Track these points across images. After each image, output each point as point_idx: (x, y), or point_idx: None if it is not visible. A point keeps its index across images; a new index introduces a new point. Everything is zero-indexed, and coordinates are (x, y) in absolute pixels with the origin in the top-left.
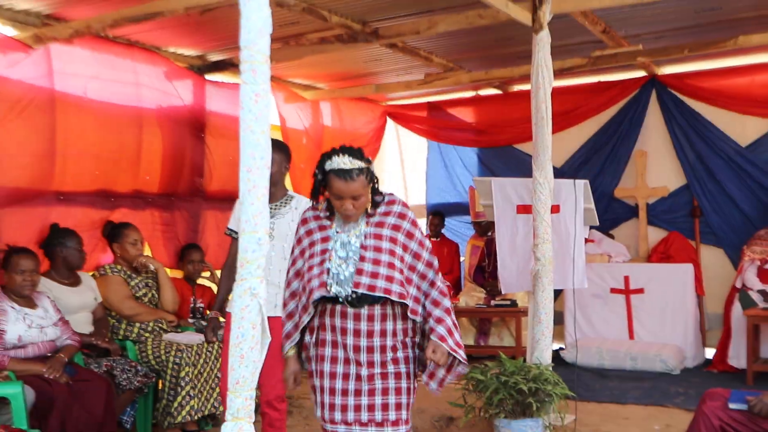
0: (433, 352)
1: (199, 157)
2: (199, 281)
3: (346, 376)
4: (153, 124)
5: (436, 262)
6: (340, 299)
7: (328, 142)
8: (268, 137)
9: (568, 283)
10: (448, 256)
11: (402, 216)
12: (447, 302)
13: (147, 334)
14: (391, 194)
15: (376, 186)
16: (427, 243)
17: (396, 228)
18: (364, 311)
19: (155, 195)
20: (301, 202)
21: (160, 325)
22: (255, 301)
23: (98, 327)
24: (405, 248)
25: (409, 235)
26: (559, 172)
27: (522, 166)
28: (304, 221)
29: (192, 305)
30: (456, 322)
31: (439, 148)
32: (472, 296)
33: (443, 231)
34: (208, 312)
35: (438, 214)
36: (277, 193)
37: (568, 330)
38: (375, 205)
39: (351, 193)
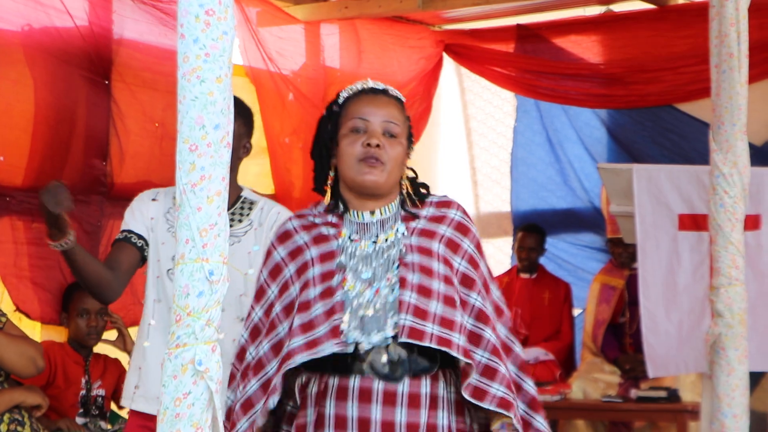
0: None
1: (100, 122)
2: (98, 348)
3: None
4: (16, 61)
5: (508, 312)
6: (364, 366)
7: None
8: (228, 89)
9: None
10: (550, 306)
11: (463, 229)
12: (531, 384)
13: None
14: (444, 196)
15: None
16: (494, 282)
17: (453, 247)
18: (403, 388)
19: (18, 191)
20: (271, 212)
21: (19, 428)
22: (201, 384)
23: None
24: (469, 283)
25: (473, 263)
26: (761, 155)
27: (689, 144)
28: (281, 238)
29: (83, 392)
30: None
31: (538, 111)
32: (596, 381)
33: (542, 260)
34: (112, 405)
35: (534, 230)
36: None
37: None
38: (417, 197)
39: (383, 116)
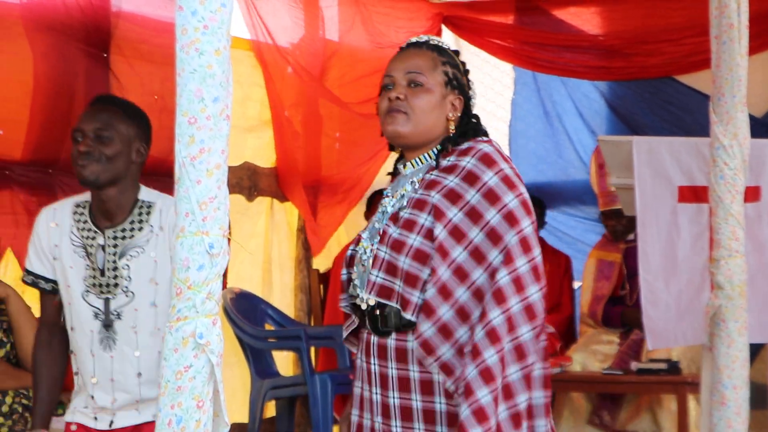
0: None
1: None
2: None
3: None
4: (15, 35)
5: (517, 280)
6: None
7: (335, 70)
8: (227, 61)
9: None
10: (550, 279)
11: (470, 178)
12: (492, 356)
13: (0, 420)
14: (485, 141)
15: (472, 111)
16: (510, 235)
17: (452, 197)
18: (391, 341)
19: (19, 164)
20: (170, 213)
21: (25, 401)
22: (202, 358)
23: None
24: (458, 236)
25: (473, 216)
26: (761, 127)
27: (689, 116)
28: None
29: None
30: (519, 410)
31: (536, 84)
32: (595, 352)
33: (542, 233)
34: None
35: (533, 202)
36: (122, 201)
37: None
38: (452, 144)
39: (405, 68)
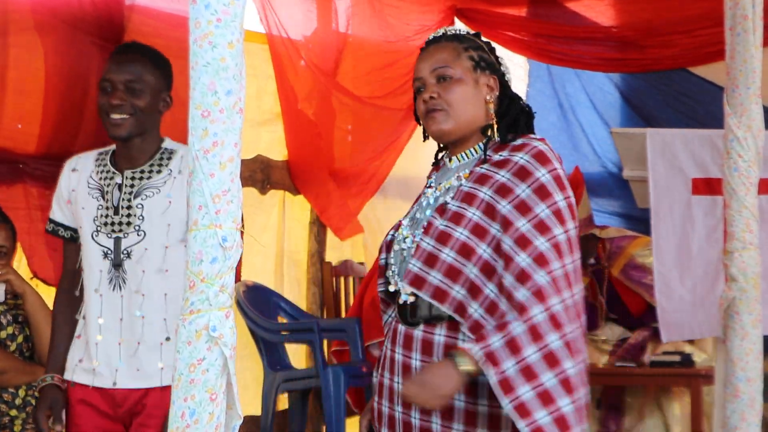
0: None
1: None
2: None
3: None
4: (26, 29)
5: (557, 264)
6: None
7: (348, 63)
8: (240, 54)
9: None
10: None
11: (523, 174)
12: (539, 312)
13: (14, 413)
14: (539, 139)
15: (511, 94)
16: (558, 229)
17: (503, 191)
18: (418, 333)
19: (33, 158)
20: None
21: (38, 395)
22: (215, 351)
23: None
24: (507, 227)
25: (522, 208)
26: None
27: (703, 108)
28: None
29: None
30: (567, 362)
31: (550, 76)
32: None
33: None
34: None
35: None
36: (145, 148)
37: None
38: (502, 141)
39: (430, 66)
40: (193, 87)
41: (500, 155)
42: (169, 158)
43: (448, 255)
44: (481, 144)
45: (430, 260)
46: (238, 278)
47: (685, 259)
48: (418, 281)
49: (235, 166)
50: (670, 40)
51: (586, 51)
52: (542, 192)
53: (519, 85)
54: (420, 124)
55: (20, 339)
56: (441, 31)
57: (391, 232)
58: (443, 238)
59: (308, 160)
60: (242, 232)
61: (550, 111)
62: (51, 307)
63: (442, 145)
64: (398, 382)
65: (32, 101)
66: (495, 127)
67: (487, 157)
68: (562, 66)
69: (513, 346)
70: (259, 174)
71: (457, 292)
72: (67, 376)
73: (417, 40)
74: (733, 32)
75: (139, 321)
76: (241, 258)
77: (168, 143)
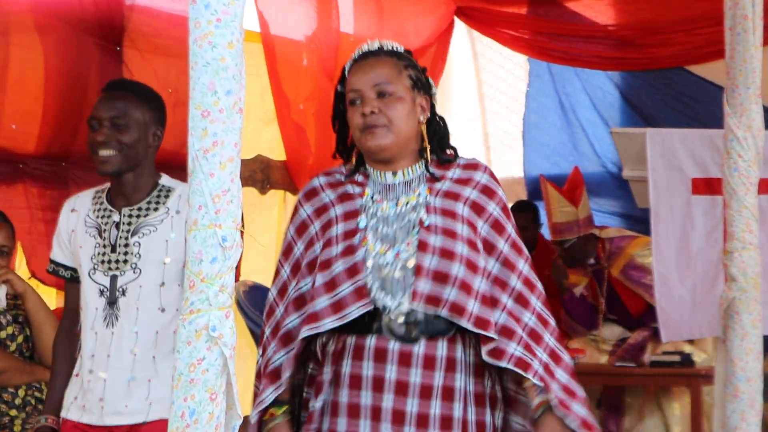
0: None
1: None
2: None
3: None
4: (27, 29)
5: (540, 285)
6: (381, 326)
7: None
8: (240, 54)
9: None
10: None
11: (489, 192)
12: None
13: (14, 413)
14: (473, 158)
15: (437, 118)
16: (525, 249)
17: (478, 209)
18: (418, 349)
19: (32, 158)
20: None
21: (38, 394)
22: (215, 350)
23: None
24: (489, 248)
25: (498, 228)
26: None
27: (703, 108)
28: (307, 196)
29: None
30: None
31: (551, 75)
32: (599, 349)
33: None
34: None
35: (523, 209)
36: (140, 184)
37: None
38: (442, 161)
39: (372, 80)
40: (192, 87)
41: (453, 172)
42: (167, 196)
43: (458, 271)
44: (422, 162)
45: (441, 278)
46: (237, 278)
47: (684, 259)
48: (431, 299)
49: (235, 166)
50: (669, 39)
51: (586, 49)
52: (506, 212)
53: (519, 85)
54: (335, 131)
55: (20, 339)
56: (377, 45)
57: (349, 255)
58: (448, 255)
59: (305, 162)
60: (242, 232)
61: (551, 111)
62: (51, 308)
63: (357, 159)
64: (389, 400)
65: (32, 101)
66: (427, 147)
67: (439, 175)
68: (561, 64)
69: (567, 391)
70: (259, 174)
71: (473, 306)
72: (63, 413)
73: (415, 39)
74: (732, 32)
75: (130, 357)
76: (240, 258)
77: (165, 180)
